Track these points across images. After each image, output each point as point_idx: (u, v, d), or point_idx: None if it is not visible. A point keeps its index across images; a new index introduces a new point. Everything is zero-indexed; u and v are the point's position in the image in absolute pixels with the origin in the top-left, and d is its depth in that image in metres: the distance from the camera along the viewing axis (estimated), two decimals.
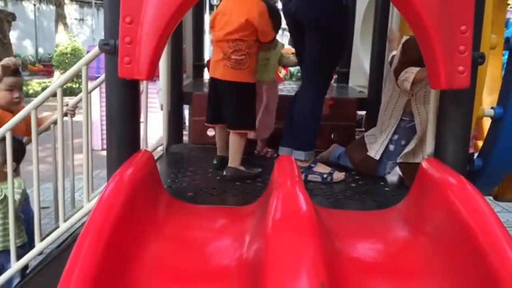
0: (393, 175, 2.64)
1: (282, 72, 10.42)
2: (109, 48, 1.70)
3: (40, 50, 18.89)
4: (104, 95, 1.96)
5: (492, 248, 1.27)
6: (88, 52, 2.88)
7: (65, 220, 2.30)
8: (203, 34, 4.55)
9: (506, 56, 2.34)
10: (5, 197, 2.37)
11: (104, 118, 1.90)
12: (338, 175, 2.49)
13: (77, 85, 10.39)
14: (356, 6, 4.05)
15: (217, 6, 2.81)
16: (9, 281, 2.41)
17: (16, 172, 2.50)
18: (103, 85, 2.29)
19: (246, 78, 2.50)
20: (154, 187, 1.81)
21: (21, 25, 16.67)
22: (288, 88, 4.07)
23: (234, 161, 2.53)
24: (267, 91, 2.93)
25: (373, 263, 1.57)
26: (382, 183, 2.53)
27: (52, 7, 17.63)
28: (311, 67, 2.50)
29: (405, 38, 2.50)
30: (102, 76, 2.75)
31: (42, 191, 2.52)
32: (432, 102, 1.91)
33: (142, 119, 2.12)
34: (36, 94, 10.25)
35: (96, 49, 2.11)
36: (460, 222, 1.41)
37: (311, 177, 2.48)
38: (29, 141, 2.98)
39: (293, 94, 2.93)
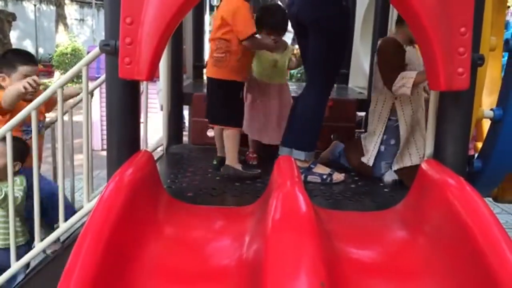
0: (389, 176, 2.65)
1: None
2: (110, 49, 1.70)
3: (40, 50, 18.89)
4: (104, 95, 1.97)
5: (491, 249, 1.27)
6: (88, 52, 2.88)
7: (65, 220, 2.30)
8: (203, 35, 4.56)
9: (506, 58, 2.34)
10: (6, 195, 2.36)
11: (104, 118, 1.91)
12: (338, 176, 2.50)
13: (77, 85, 10.37)
14: (356, 7, 4.06)
15: (217, 7, 2.83)
16: (14, 278, 2.41)
17: (18, 171, 2.49)
18: (103, 86, 2.30)
19: (226, 75, 2.54)
20: (154, 187, 1.81)
21: (21, 25, 16.68)
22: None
23: (229, 159, 2.55)
24: (279, 94, 2.88)
25: (372, 264, 1.57)
26: (381, 184, 2.54)
27: (53, 8, 17.64)
28: (314, 68, 2.51)
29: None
30: (102, 77, 2.76)
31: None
32: (432, 104, 1.91)
33: (142, 119, 2.12)
34: None
35: (96, 50, 2.11)
36: (459, 223, 1.41)
37: (310, 178, 2.48)
38: (49, 123, 2.98)
39: (293, 94, 2.94)
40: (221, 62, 2.53)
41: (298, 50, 2.86)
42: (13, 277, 2.40)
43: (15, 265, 2.33)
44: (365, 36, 3.86)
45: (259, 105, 2.86)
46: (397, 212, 1.87)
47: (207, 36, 5.39)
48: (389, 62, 2.42)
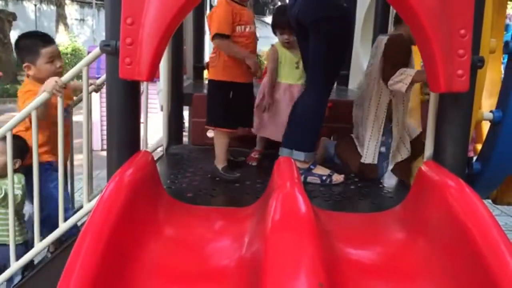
0: (390, 178, 2.65)
1: None
2: (110, 49, 1.70)
3: None
4: (104, 95, 1.97)
5: (490, 251, 1.28)
6: (88, 52, 2.88)
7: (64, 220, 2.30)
8: (204, 35, 4.56)
9: (506, 60, 2.35)
10: (6, 194, 2.36)
11: (104, 118, 1.91)
12: (337, 177, 2.50)
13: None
14: (356, 9, 4.07)
15: None
16: (11, 278, 2.41)
17: (17, 169, 2.49)
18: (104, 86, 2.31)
19: (215, 75, 2.57)
20: (154, 187, 1.81)
21: (22, 25, 16.64)
22: None
23: (216, 159, 2.58)
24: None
25: (371, 265, 1.57)
26: (381, 186, 2.54)
27: (53, 7, 17.64)
28: (314, 69, 2.51)
29: (384, 39, 2.51)
30: (103, 77, 2.76)
31: None
32: (432, 105, 1.91)
33: (142, 119, 2.12)
34: None
35: (97, 50, 2.11)
36: (458, 225, 1.41)
37: (310, 179, 2.49)
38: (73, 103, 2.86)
39: None
40: (212, 61, 2.58)
41: None
42: (10, 278, 2.40)
43: (15, 265, 2.33)
44: (365, 38, 3.86)
45: (284, 106, 2.83)
46: (396, 214, 1.87)
47: (207, 37, 5.39)
48: (394, 58, 2.40)
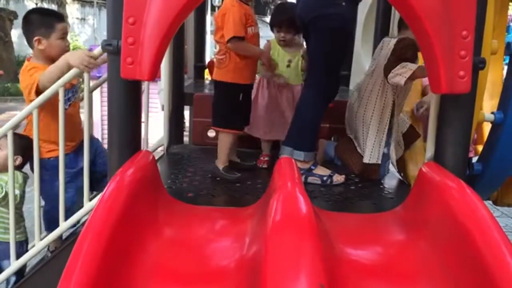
0: (391, 179, 2.65)
1: None
2: (112, 49, 1.70)
3: None
4: (105, 94, 1.97)
5: (490, 252, 1.28)
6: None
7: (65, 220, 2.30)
8: (205, 35, 4.56)
9: (507, 61, 2.35)
10: (7, 193, 2.36)
11: (105, 118, 1.91)
12: (338, 178, 2.50)
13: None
14: (357, 9, 4.05)
15: (219, 7, 2.83)
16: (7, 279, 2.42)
17: (19, 166, 2.48)
18: (104, 85, 2.30)
19: (224, 77, 2.54)
20: (154, 187, 1.81)
21: None
22: None
23: (218, 159, 2.57)
24: (293, 95, 2.85)
25: (372, 266, 1.57)
26: (381, 186, 2.54)
27: (54, 6, 17.64)
28: (314, 67, 2.51)
29: (392, 40, 2.51)
30: (104, 76, 2.76)
31: None
32: (433, 106, 1.91)
33: (143, 119, 2.12)
34: None
35: (98, 49, 2.11)
36: (459, 226, 1.41)
37: (311, 179, 2.49)
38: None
39: None
40: (221, 63, 2.54)
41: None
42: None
43: (16, 263, 2.33)
44: (366, 38, 3.86)
45: (270, 105, 2.84)
46: (397, 214, 1.87)
47: (208, 37, 5.40)
48: (400, 54, 2.40)
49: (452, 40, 1.57)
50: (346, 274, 1.44)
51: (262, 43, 2.79)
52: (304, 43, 2.76)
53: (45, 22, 2.50)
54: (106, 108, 1.86)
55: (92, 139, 2.58)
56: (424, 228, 1.63)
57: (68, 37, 2.64)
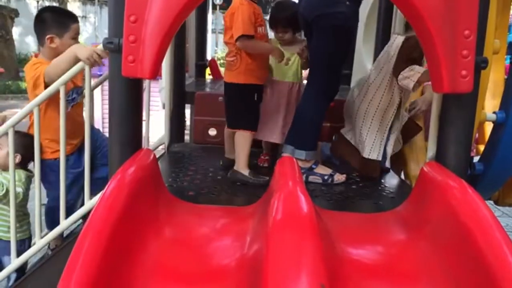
0: (392, 178, 2.65)
1: None
2: (113, 47, 1.70)
3: None
4: (106, 93, 1.97)
5: (492, 252, 1.27)
6: None
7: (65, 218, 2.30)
8: (206, 34, 4.56)
9: (509, 61, 2.34)
10: (7, 191, 2.36)
11: (106, 116, 1.90)
12: (339, 177, 2.50)
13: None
14: (359, 7, 4.05)
15: (220, 5, 2.82)
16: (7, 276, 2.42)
17: (19, 164, 2.48)
18: (105, 83, 2.30)
19: (236, 79, 2.50)
20: (155, 186, 1.81)
21: (24, 21, 16.64)
22: None
23: (238, 163, 2.50)
24: (289, 93, 2.79)
25: (373, 265, 1.57)
26: (382, 186, 2.53)
27: (55, 4, 17.65)
28: (315, 66, 2.51)
29: (399, 37, 2.50)
30: (105, 74, 2.75)
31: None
32: (435, 106, 1.91)
33: (144, 117, 2.11)
34: None
35: (99, 47, 2.11)
36: (460, 225, 1.41)
37: (312, 178, 2.48)
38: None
39: None
40: (232, 65, 2.50)
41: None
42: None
43: (16, 261, 2.33)
44: (368, 37, 3.85)
45: (269, 104, 2.83)
46: (398, 214, 1.86)
47: (209, 35, 5.39)
48: (408, 53, 2.40)
49: (454, 40, 1.57)
50: (347, 273, 1.43)
51: None
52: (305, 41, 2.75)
53: (60, 21, 2.52)
54: (107, 106, 1.86)
55: (93, 129, 2.57)
56: (425, 228, 1.63)
57: None
